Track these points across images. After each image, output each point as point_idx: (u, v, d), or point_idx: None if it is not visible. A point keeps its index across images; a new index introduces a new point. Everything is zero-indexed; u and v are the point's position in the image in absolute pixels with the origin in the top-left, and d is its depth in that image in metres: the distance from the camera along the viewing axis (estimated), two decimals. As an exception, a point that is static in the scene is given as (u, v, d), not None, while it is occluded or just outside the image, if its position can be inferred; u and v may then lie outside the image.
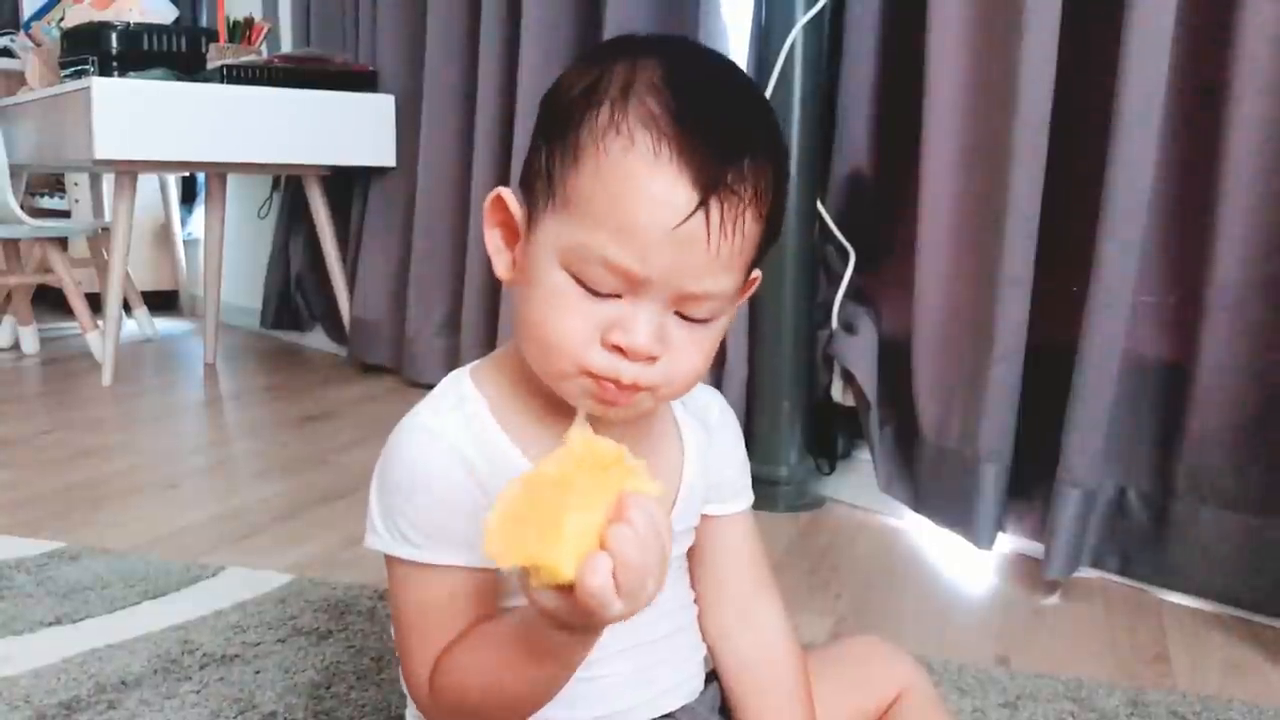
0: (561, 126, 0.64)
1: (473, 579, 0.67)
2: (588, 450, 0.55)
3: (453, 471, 0.67)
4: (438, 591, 0.68)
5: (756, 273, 0.70)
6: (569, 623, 0.55)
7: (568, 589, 0.52)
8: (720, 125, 0.62)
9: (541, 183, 0.65)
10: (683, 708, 0.77)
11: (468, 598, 0.67)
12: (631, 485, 0.54)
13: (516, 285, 0.68)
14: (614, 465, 0.55)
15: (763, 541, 0.84)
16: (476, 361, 0.75)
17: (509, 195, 0.68)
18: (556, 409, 0.69)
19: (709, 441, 0.79)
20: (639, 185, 0.60)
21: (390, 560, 0.69)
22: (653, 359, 0.63)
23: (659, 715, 0.76)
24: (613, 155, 0.61)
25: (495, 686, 0.64)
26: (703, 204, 0.60)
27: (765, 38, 1.76)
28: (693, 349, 0.65)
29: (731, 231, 0.62)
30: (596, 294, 0.62)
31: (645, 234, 0.60)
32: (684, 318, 0.64)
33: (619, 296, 0.62)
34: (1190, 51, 1.38)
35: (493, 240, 0.70)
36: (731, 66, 0.70)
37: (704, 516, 0.79)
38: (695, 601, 0.81)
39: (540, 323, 0.64)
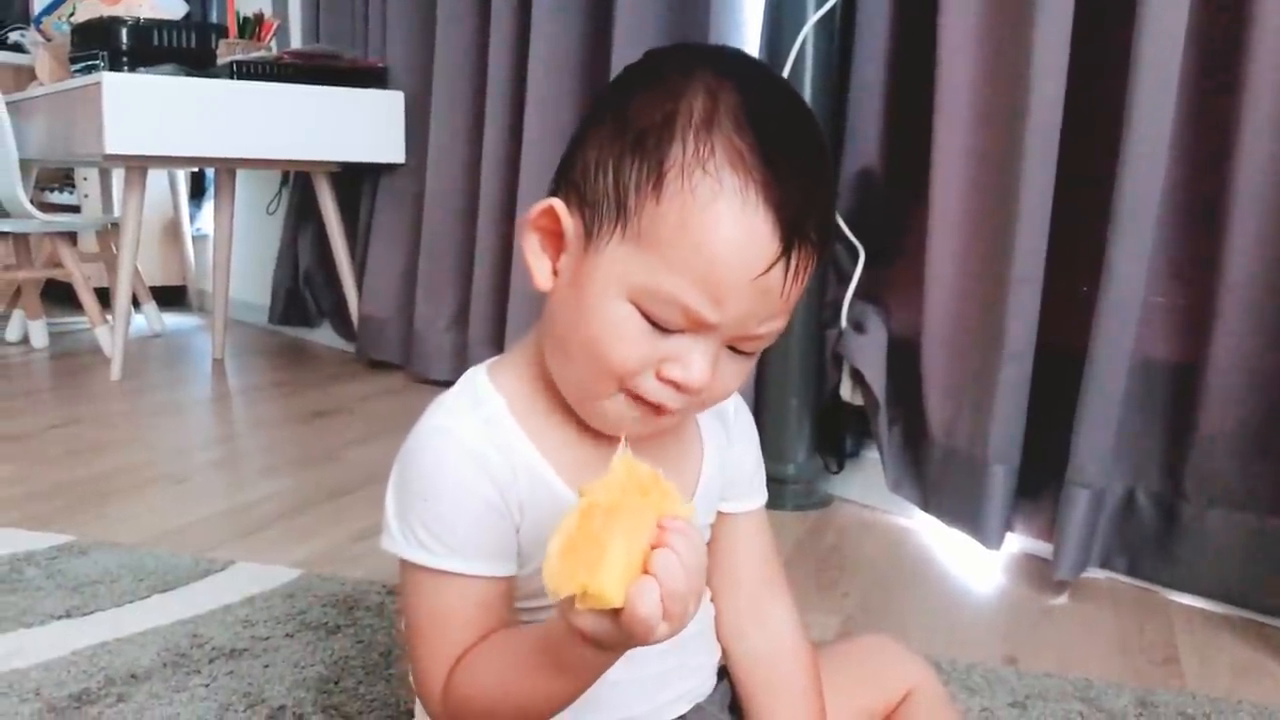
0: (637, 152, 0.61)
1: (487, 587, 0.67)
2: (630, 475, 0.56)
3: (471, 477, 0.66)
4: (452, 599, 0.67)
5: None
6: (609, 644, 0.56)
7: (613, 613, 0.53)
8: (801, 166, 0.61)
9: (608, 205, 0.62)
10: (694, 707, 0.77)
11: (482, 605, 0.67)
12: (669, 508, 0.55)
13: (559, 295, 0.66)
14: (652, 489, 0.56)
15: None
16: (493, 359, 0.75)
17: (562, 209, 0.65)
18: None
19: (727, 439, 0.79)
20: (726, 235, 0.59)
21: (404, 564, 0.68)
22: (702, 391, 0.64)
23: (673, 717, 0.75)
24: (700, 198, 0.59)
25: (512, 696, 0.64)
26: (784, 254, 0.60)
27: (776, 35, 1.76)
28: (734, 377, 0.66)
29: (803, 277, 0.62)
30: (660, 329, 0.62)
31: (728, 285, 0.60)
32: (735, 350, 0.65)
33: (681, 332, 0.62)
34: (1202, 52, 1.38)
35: (532, 246, 0.67)
36: (792, 90, 0.69)
37: (719, 514, 0.79)
38: (710, 600, 0.81)
39: (593, 346, 0.63)
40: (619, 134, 0.63)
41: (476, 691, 0.65)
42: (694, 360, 0.62)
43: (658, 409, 0.64)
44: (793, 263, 0.61)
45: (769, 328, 0.64)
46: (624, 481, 0.55)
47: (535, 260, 0.67)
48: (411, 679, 0.72)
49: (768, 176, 0.59)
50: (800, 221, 0.60)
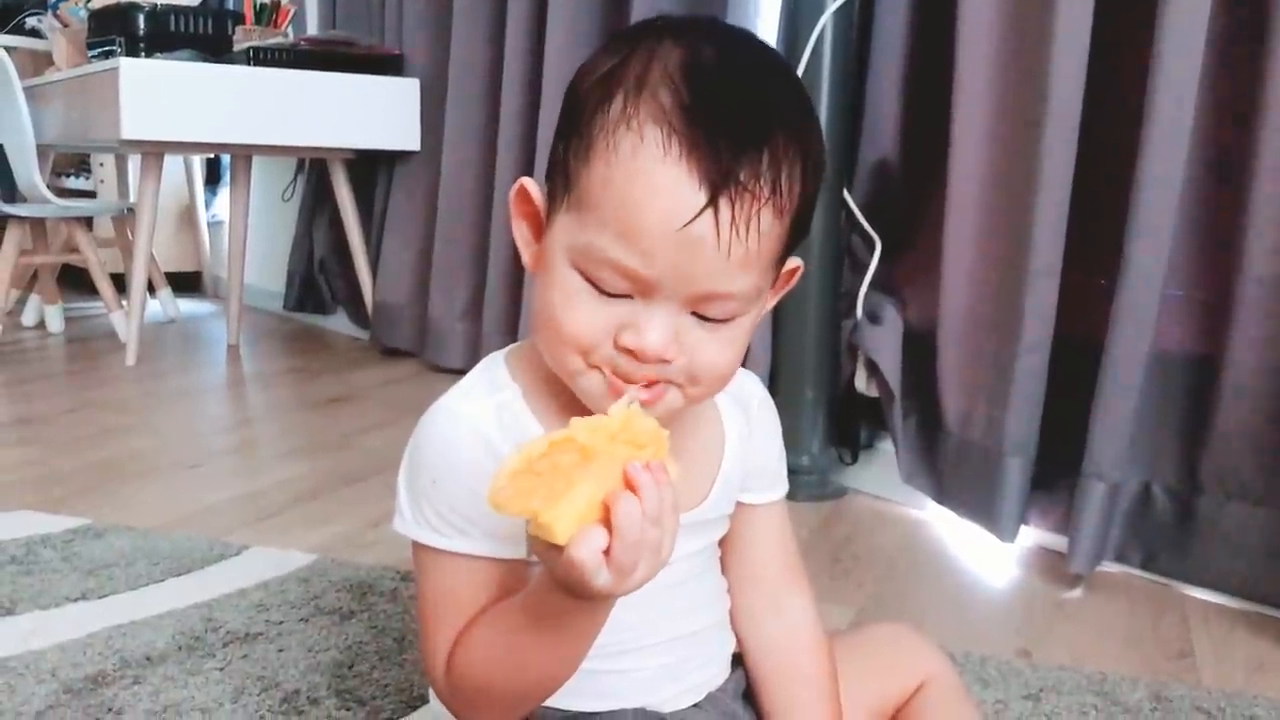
0: (576, 118, 0.62)
1: (495, 568, 0.67)
2: (625, 426, 0.54)
3: (478, 458, 0.66)
4: (459, 579, 0.67)
5: (796, 262, 0.69)
6: (557, 578, 0.56)
7: (560, 550, 0.53)
8: (736, 118, 0.59)
9: (560, 177, 0.63)
10: (707, 696, 0.77)
11: (489, 586, 0.67)
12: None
13: (536, 276, 0.66)
14: (650, 446, 0.54)
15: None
16: (513, 346, 0.75)
17: (532, 185, 0.67)
18: None
19: (749, 429, 0.78)
20: (644, 184, 0.58)
21: (415, 546, 0.69)
22: (666, 361, 0.61)
23: (686, 706, 0.75)
24: (621, 153, 0.59)
25: (510, 660, 0.63)
26: (711, 203, 0.58)
27: (794, 23, 1.75)
28: (716, 346, 0.63)
29: (745, 231, 0.59)
30: (607, 294, 0.61)
31: (650, 236, 0.58)
32: (702, 318, 0.62)
33: (630, 297, 0.61)
34: (1224, 45, 1.36)
35: (520, 232, 0.68)
36: (763, 51, 0.66)
37: (739, 504, 0.79)
38: (727, 591, 0.80)
39: (550, 318, 0.63)
40: (567, 104, 0.64)
41: (476, 660, 0.65)
42: (648, 325, 0.60)
43: (628, 381, 0.62)
44: (724, 214, 0.58)
45: (719, 287, 0.60)
46: (616, 430, 0.54)
47: (524, 246, 0.68)
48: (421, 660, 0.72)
49: (690, 126, 0.58)
50: (729, 169, 0.58)
